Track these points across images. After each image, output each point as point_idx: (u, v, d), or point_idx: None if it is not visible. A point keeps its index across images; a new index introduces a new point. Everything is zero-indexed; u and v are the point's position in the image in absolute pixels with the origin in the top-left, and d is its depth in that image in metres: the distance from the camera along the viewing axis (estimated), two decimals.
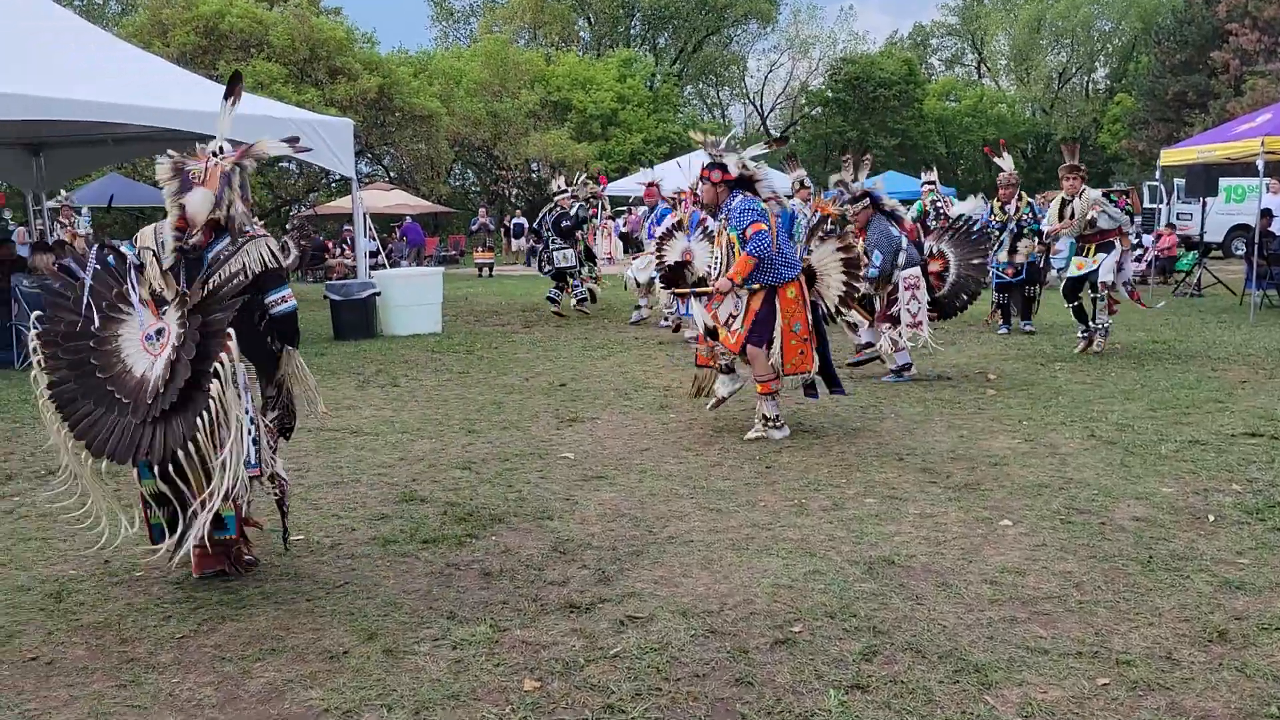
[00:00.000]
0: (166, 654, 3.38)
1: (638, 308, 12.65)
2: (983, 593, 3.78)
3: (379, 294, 11.54)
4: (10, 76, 8.65)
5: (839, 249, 6.47)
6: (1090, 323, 9.20)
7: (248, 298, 3.75)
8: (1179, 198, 21.26)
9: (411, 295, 11.86)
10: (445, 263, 24.04)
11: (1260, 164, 12.10)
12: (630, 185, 23.76)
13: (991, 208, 10.75)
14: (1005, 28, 49.80)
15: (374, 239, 16.09)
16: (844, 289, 6.45)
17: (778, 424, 6.30)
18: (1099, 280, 8.83)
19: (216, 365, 3.45)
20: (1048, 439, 6.09)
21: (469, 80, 32.29)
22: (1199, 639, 3.37)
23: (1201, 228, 16.52)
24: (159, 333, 3.59)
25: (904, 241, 7.98)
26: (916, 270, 7.92)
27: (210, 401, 3.44)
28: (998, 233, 10.52)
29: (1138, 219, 13.50)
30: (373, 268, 13.51)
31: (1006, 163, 10.75)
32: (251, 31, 25.50)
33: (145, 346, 3.59)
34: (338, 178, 28.46)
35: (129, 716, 2.99)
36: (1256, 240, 13.10)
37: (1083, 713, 2.93)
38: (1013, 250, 10.46)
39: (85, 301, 3.63)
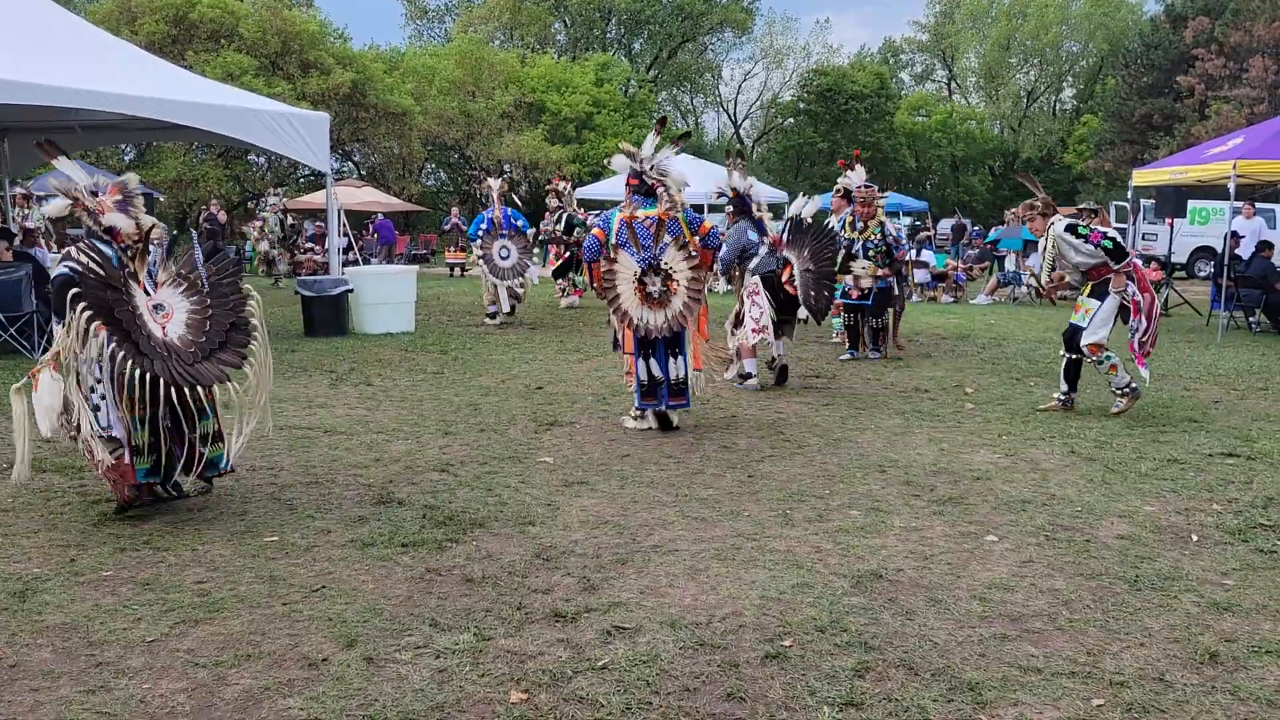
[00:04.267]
0: (137, 658, 3.26)
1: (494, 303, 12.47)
2: (972, 609, 3.74)
3: (351, 291, 11.36)
4: None
5: (684, 260, 6.50)
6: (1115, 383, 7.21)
7: None
8: (1145, 218, 21.55)
9: (385, 293, 11.69)
10: (416, 261, 23.81)
11: (1232, 187, 12.24)
12: (604, 189, 23.67)
13: (844, 222, 9.67)
14: (975, 45, 50.31)
15: (346, 235, 15.89)
16: (683, 306, 6.48)
17: (637, 415, 6.70)
18: (1083, 343, 7.09)
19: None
20: (1028, 454, 6.09)
21: (442, 79, 32.07)
22: (1190, 661, 3.35)
23: (1169, 249, 16.73)
24: (157, 307, 4.52)
25: (761, 250, 8.03)
26: (758, 280, 7.91)
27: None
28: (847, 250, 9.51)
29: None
30: (345, 264, 13.35)
31: (859, 175, 9.96)
32: (222, 22, 25.20)
33: (152, 316, 4.48)
34: (308, 172, 28.20)
35: None
36: (1226, 262, 13.25)
37: None
38: (845, 270, 9.45)
39: (123, 278, 4.43)
